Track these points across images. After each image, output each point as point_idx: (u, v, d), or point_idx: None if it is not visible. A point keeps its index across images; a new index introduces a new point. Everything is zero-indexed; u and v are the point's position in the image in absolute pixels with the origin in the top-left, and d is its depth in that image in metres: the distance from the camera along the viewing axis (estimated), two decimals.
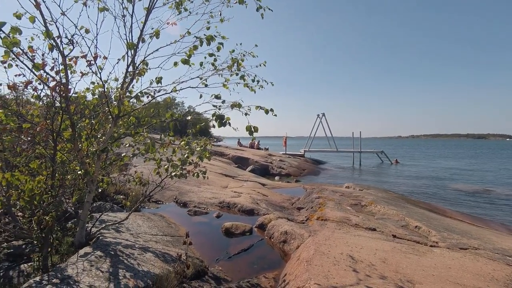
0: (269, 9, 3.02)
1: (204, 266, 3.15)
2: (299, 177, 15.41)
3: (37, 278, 2.28)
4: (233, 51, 3.23)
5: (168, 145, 3.11)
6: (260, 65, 3.40)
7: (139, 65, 2.83)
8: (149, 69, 3.08)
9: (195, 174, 3.33)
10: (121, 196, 5.35)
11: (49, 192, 2.59)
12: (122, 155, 3.52)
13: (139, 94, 3.08)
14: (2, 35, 1.96)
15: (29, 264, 2.74)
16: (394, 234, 3.99)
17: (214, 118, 2.60)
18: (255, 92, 3.38)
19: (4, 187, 2.50)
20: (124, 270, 2.57)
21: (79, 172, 2.94)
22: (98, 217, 3.44)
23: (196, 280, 2.89)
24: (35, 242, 2.71)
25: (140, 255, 2.97)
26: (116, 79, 2.98)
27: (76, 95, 2.95)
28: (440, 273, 2.74)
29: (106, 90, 3.02)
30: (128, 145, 3.44)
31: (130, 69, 2.84)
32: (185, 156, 3.35)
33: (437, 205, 9.50)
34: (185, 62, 2.82)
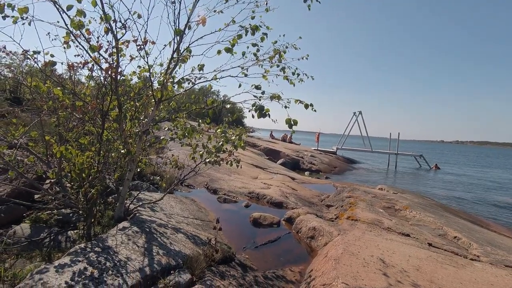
0: (317, 0, 2.91)
1: (231, 253, 3.23)
2: (330, 174, 15.07)
3: (82, 245, 2.49)
4: (276, 42, 3.19)
5: (206, 131, 3.19)
6: (302, 58, 3.33)
7: (183, 51, 2.91)
8: (192, 56, 3.16)
9: (229, 163, 3.39)
10: (157, 177, 5.63)
11: (96, 167, 2.80)
12: (161, 138, 3.68)
13: (181, 80, 3.18)
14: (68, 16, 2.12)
15: (75, 231, 3.01)
16: (430, 243, 3.75)
17: (254, 108, 2.60)
18: (294, 85, 3.32)
19: (57, 159, 2.74)
20: (158, 247, 2.71)
21: (122, 151, 3.13)
22: (136, 195, 3.65)
23: (223, 265, 2.97)
24: (81, 212, 2.97)
25: (172, 235, 3.12)
26: (161, 64, 3.09)
27: (124, 77, 3.12)
28: None
29: (151, 74, 3.15)
30: (167, 128, 3.58)
31: (175, 55, 2.93)
32: (220, 144, 3.42)
33: (480, 217, 8.78)
34: (228, 50, 2.84)
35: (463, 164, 33.69)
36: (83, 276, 2.02)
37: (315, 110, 2.61)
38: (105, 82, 2.69)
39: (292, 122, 2.43)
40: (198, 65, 3.13)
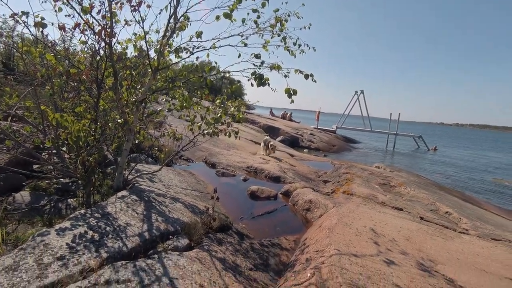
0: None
1: (229, 222, 3.31)
2: (328, 153, 15.16)
3: (82, 211, 2.55)
4: (277, 10, 3.08)
5: (205, 99, 3.16)
6: (305, 28, 3.22)
7: (180, 17, 2.81)
8: (190, 24, 3.06)
9: (227, 133, 3.39)
10: (156, 149, 5.65)
11: (93, 135, 2.80)
12: (159, 109, 3.66)
13: (178, 48, 3.10)
14: None
15: (75, 199, 3.06)
16: (422, 216, 3.85)
17: (253, 77, 2.56)
18: (295, 56, 3.24)
19: (54, 127, 2.73)
20: (156, 215, 2.77)
21: (118, 121, 3.11)
22: (134, 165, 3.68)
23: (221, 233, 3.05)
24: (80, 181, 3.00)
25: (171, 204, 3.18)
26: (157, 31, 3.00)
27: (119, 44, 3.04)
28: (466, 258, 2.64)
29: (147, 42, 3.07)
30: (164, 100, 3.54)
31: (172, 20, 2.83)
32: (218, 115, 3.41)
33: (473, 196, 8.96)
34: (227, 16, 2.74)
35: (461, 147, 33.86)
36: (83, 239, 2.08)
37: (315, 81, 2.57)
38: (99, 48, 2.61)
39: (291, 92, 2.40)
40: (196, 33, 3.04)
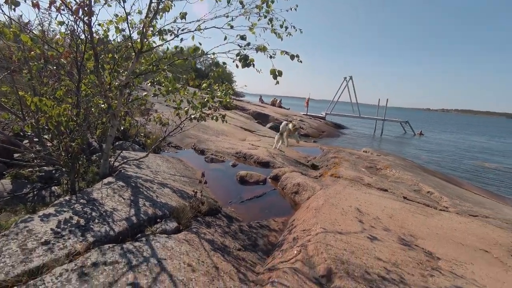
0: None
1: (218, 206, 3.34)
2: (317, 139, 15.32)
3: (67, 198, 2.51)
4: None
5: (191, 84, 3.11)
6: (291, 9, 3.17)
7: None
8: (174, 5, 2.96)
9: (214, 118, 3.37)
10: (143, 136, 5.58)
11: (75, 120, 2.73)
12: (143, 94, 3.58)
13: (162, 30, 3.01)
14: None
15: (59, 187, 3.01)
16: (405, 196, 3.98)
17: (238, 58, 2.52)
18: (282, 39, 3.20)
19: (33, 112, 2.64)
20: (144, 200, 2.77)
21: (102, 106, 3.04)
22: (120, 152, 3.63)
23: (209, 216, 3.08)
24: (64, 168, 2.94)
25: (159, 189, 3.17)
26: (140, 12, 2.90)
27: (100, 26, 2.93)
28: (445, 233, 2.76)
29: (129, 24, 2.97)
30: (149, 84, 3.47)
31: (154, 0, 2.74)
32: (205, 99, 3.37)
33: (455, 178, 9.28)
34: None
35: (446, 131, 34.75)
36: (69, 224, 2.07)
37: (300, 61, 2.56)
38: (77, 28, 2.51)
39: (276, 73, 2.38)
40: (180, 14, 2.96)
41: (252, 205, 3.81)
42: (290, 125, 6.81)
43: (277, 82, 2.46)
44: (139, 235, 2.21)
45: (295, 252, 2.22)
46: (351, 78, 26.24)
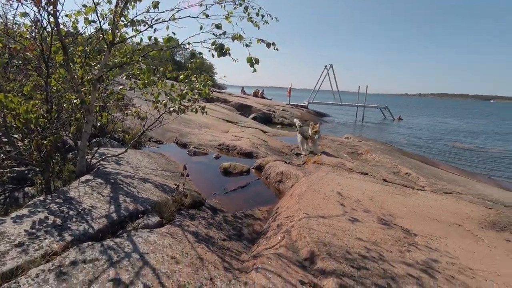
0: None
1: (201, 198, 3.32)
2: None
3: (41, 198, 2.42)
4: None
5: (168, 76, 3.03)
6: None
7: None
8: None
9: (194, 110, 3.31)
10: (119, 129, 5.42)
11: (46, 117, 2.60)
12: (119, 88, 3.46)
13: (135, 21, 2.89)
14: None
15: (33, 187, 2.89)
16: (385, 178, 4.12)
17: (213, 47, 2.47)
18: (258, 28, 3.16)
19: None
20: (124, 196, 2.70)
21: (74, 101, 2.92)
22: (96, 149, 3.51)
23: (193, 209, 3.06)
24: (37, 167, 2.82)
25: (140, 185, 3.11)
26: (109, 1, 2.77)
27: (67, 17, 2.78)
28: (421, 211, 2.89)
29: (98, 14, 2.83)
30: (125, 77, 3.35)
31: None
32: (184, 91, 3.30)
33: (432, 159, 9.68)
34: None
35: (423, 115, 35.99)
36: (44, 224, 1.99)
37: (277, 49, 2.54)
38: (42, 19, 2.37)
39: (253, 61, 2.36)
40: (153, 3, 2.85)
41: (236, 196, 3.82)
42: (310, 132, 5.37)
43: (254, 70, 2.44)
44: (120, 231, 2.17)
45: (279, 238, 2.25)
46: (331, 66, 26.50)
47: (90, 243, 1.84)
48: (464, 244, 2.36)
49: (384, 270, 1.85)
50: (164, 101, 3.37)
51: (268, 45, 2.52)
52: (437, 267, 1.95)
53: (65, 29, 2.82)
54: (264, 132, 9.59)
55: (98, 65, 3.01)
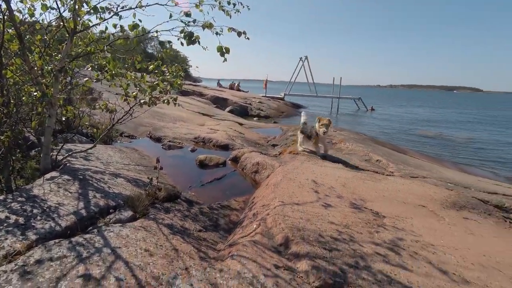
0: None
1: (176, 191, 3.26)
2: (278, 119, 15.59)
3: (1, 197, 2.27)
4: None
5: (137, 67, 2.91)
6: None
7: None
8: None
9: (166, 101, 3.23)
10: (87, 124, 5.18)
11: (2, 111, 2.43)
12: (85, 79, 3.29)
13: (98, 8, 2.74)
14: None
15: None
16: (357, 166, 4.28)
17: (183, 35, 2.41)
18: (230, 16, 3.11)
19: None
20: (94, 192, 2.60)
21: (35, 94, 2.74)
22: (62, 145, 3.33)
23: (168, 202, 3.01)
24: None
25: (111, 180, 3.00)
26: None
27: (22, 3, 2.58)
28: (390, 195, 3.05)
29: (59, 1, 2.65)
30: (90, 68, 3.18)
31: None
32: (154, 82, 3.20)
33: (402, 146, 10.19)
34: None
35: (394, 105, 37.59)
36: (5, 225, 1.87)
37: (248, 38, 2.53)
38: None
39: (224, 50, 2.33)
40: None
41: (212, 188, 3.81)
42: (317, 126, 4.34)
43: (225, 60, 2.42)
44: (91, 227, 2.09)
45: (255, 226, 2.28)
46: (306, 58, 26.81)
47: (57, 240, 1.76)
48: (428, 223, 2.53)
49: (354, 250, 1.94)
50: (134, 93, 3.25)
51: (239, 34, 2.50)
52: (402, 244, 2.08)
53: (20, 16, 2.62)
54: (241, 124, 9.58)
55: (60, 55, 2.84)
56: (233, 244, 2.08)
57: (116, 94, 8.88)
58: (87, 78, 3.34)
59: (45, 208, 2.14)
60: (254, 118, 14.83)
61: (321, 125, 4.27)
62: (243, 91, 23.49)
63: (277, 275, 1.63)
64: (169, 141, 5.63)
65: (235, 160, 4.74)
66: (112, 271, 1.51)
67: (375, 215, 2.55)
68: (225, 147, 5.60)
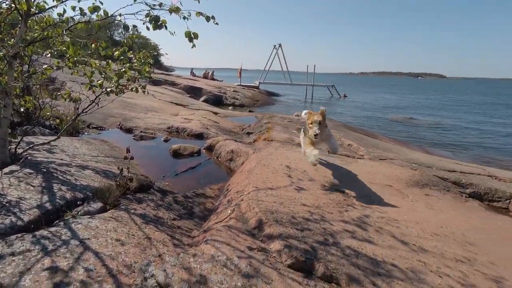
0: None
1: (149, 181, 3.20)
2: (253, 108, 15.59)
3: None
4: None
5: (102, 53, 2.76)
6: None
7: None
8: None
9: (134, 89, 3.11)
10: (49, 114, 4.88)
11: None
12: (44, 66, 3.07)
13: None
14: None
15: None
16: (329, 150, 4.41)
17: (148, 19, 2.30)
18: (199, 1, 3.02)
19: None
20: (60, 185, 2.48)
21: None
22: (22, 137, 3.12)
23: (141, 193, 2.94)
24: None
25: (78, 172, 2.88)
26: None
27: None
28: (360, 176, 3.19)
29: None
30: (49, 55, 2.97)
31: None
32: (121, 70, 3.06)
33: (372, 131, 10.64)
34: None
35: (366, 92, 38.85)
36: None
37: (217, 23, 2.47)
38: None
39: (192, 35, 2.27)
40: None
41: (187, 177, 3.77)
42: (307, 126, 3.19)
43: (193, 46, 2.36)
44: (57, 221, 2.01)
45: (229, 211, 2.31)
46: (280, 45, 26.80)
47: (19, 235, 1.67)
48: (393, 201, 2.69)
49: (325, 229, 2.03)
50: (99, 81, 3.09)
51: (208, 18, 2.43)
52: (369, 221, 2.21)
53: None
54: (215, 113, 9.47)
55: (13, 40, 2.62)
56: (208, 230, 2.10)
57: (81, 84, 8.43)
58: (46, 65, 3.12)
59: (4, 203, 2.02)
60: (229, 107, 14.71)
61: (311, 123, 3.00)
62: (218, 80, 23.11)
63: (251, 256, 1.68)
64: (141, 132, 5.46)
65: (210, 148, 4.70)
66: (81, 262, 1.47)
67: (346, 195, 2.67)
68: (199, 136, 5.53)
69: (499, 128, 13.49)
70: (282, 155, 3.85)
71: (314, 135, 2.91)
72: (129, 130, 5.63)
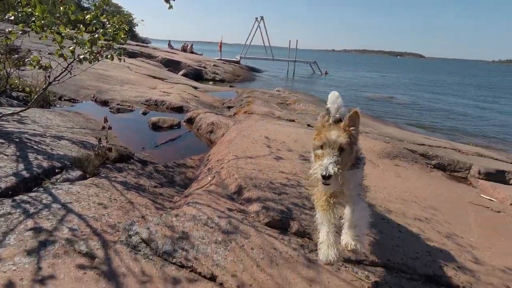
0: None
1: (129, 152, 3.19)
2: (233, 83, 15.35)
3: None
4: None
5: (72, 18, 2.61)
6: None
7: None
8: None
9: (109, 56, 2.99)
10: (17, 81, 4.62)
11: None
12: (8, 29, 2.86)
13: None
14: None
15: None
16: (309, 124, 4.54)
17: None
18: None
19: None
20: (35, 154, 2.43)
21: None
22: None
23: (121, 163, 2.94)
24: None
25: (54, 142, 2.81)
26: None
27: None
28: None
29: None
30: (12, 17, 2.77)
31: None
32: (95, 35, 2.92)
33: (351, 107, 10.91)
34: None
35: (347, 70, 39.15)
36: None
37: None
38: None
39: None
40: None
41: (167, 148, 3.78)
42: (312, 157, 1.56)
43: (170, 6, 2.29)
44: (36, 188, 2.00)
45: (210, 178, 2.39)
46: (262, 18, 26.03)
47: None
48: (366, 170, 2.87)
49: (300, 193, 2.17)
50: (70, 48, 2.94)
51: None
52: None
53: None
54: (195, 88, 9.28)
55: None
56: (189, 194, 2.18)
57: (50, 54, 7.90)
58: (10, 29, 2.91)
59: None
60: (210, 82, 14.39)
61: (321, 145, 1.33)
62: (197, 54, 22.32)
63: (231, 216, 1.78)
64: (118, 104, 5.30)
65: (190, 121, 4.69)
66: (64, 223, 1.51)
67: None
68: (179, 109, 5.47)
69: (474, 109, 14.28)
70: (262, 127, 3.93)
71: (323, 176, 1.22)
72: (104, 103, 5.45)
